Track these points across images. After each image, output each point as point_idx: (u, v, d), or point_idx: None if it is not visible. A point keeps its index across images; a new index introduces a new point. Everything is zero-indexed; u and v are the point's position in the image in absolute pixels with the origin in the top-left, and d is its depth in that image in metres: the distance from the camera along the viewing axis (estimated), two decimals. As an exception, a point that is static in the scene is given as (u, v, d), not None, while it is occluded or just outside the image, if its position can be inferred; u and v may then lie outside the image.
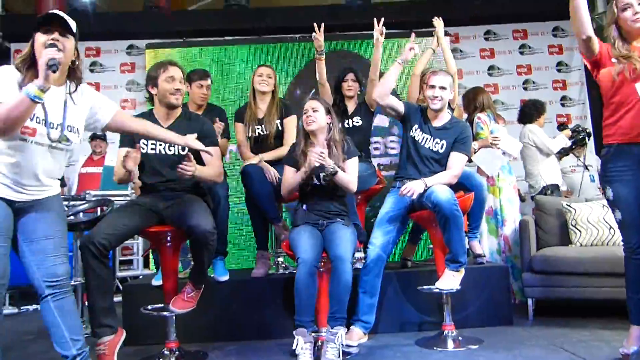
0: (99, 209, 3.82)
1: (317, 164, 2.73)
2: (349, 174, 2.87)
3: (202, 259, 2.57)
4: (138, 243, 5.26)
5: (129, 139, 2.72)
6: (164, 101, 2.72)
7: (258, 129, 3.43)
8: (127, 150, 2.58)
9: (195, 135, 2.50)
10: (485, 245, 3.90)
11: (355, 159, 2.94)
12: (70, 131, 2.11)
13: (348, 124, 3.58)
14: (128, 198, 4.08)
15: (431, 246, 3.86)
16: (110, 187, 4.21)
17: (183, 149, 2.69)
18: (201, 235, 2.45)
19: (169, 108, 2.74)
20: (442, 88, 2.99)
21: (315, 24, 3.45)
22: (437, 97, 2.98)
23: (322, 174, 2.85)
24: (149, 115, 2.79)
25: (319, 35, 3.45)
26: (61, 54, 1.96)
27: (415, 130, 3.06)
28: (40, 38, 2.02)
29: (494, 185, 3.91)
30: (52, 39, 2.00)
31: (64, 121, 2.08)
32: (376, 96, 3.04)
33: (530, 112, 4.45)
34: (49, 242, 2.06)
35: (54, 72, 1.91)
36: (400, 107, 3.09)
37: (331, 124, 2.92)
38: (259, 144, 3.44)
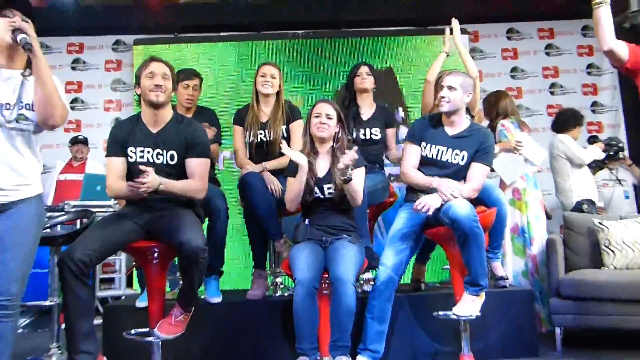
0: (78, 221, 3.82)
1: (344, 166, 2.73)
2: (359, 186, 2.87)
3: (192, 278, 2.56)
4: (121, 259, 5.26)
5: (119, 145, 2.73)
6: (146, 100, 2.74)
7: (261, 134, 3.42)
8: (117, 164, 2.65)
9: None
10: (510, 266, 3.89)
11: (362, 170, 2.95)
12: (29, 109, 2.14)
13: (364, 134, 3.57)
14: (111, 210, 4.08)
15: (446, 267, 3.85)
16: (91, 196, 4.23)
17: (172, 159, 2.71)
18: (192, 252, 2.44)
19: (154, 109, 2.74)
20: (451, 88, 3.00)
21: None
22: (443, 97, 2.99)
23: (326, 187, 2.86)
24: (136, 120, 2.80)
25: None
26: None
27: (425, 147, 3.05)
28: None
29: (520, 200, 3.90)
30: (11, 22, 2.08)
31: (19, 98, 2.11)
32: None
33: (567, 120, 4.44)
34: (10, 254, 2.06)
35: (29, 50, 2.01)
36: (419, 148, 3.07)
37: (339, 133, 2.95)
38: (261, 151, 3.43)
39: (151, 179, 2.53)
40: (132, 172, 2.72)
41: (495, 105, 4.05)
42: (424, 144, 3.06)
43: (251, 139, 3.45)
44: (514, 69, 6.17)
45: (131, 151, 2.73)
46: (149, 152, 2.73)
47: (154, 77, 2.70)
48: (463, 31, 5.71)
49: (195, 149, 2.72)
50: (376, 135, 3.57)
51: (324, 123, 2.90)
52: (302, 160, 2.83)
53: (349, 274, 2.61)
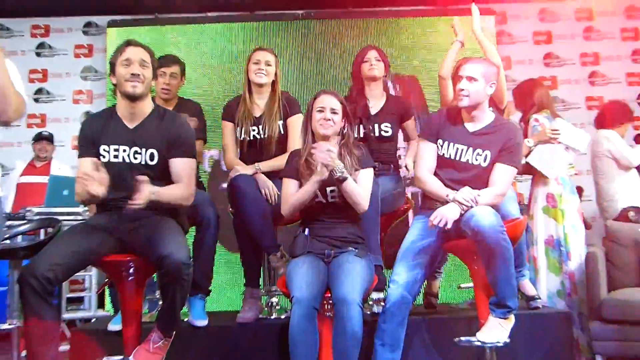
0: (42, 230, 3.82)
1: (324, 163, 2.74)
2: (360, 186, 2.87)
3: (174, 298, 2.55)
4: (91, 276, 5.26)
5: (90, 144, 2.74)
6: (121, 91, 2.75)
7: (254, 130, 3.43)
8: (89, 166, 2.62)
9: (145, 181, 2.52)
10: (544, 285, 3.89)
11: (370, 171, 2.96)
12: None
13: (373, 130, 3.57)
14: (80, 217, 4.09)
15: (466, 285, 3.83)
16: (57, 202, 4.26)
17: (151, 158, 2.72)
18: (174, 267, 2.44)
19: (131, 101, 2.74)
20: (471, 79, 2.98)
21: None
22: (462, 90, 2.98)
23: (329, 189, 2.86)
24: (110, 114, 2.81)
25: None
26: None
27: (442, 146, 3.05)
28: None
29: (555, 208, 3.90)
30: None
31: None
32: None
33: (614, 115, 4.44)
34: None
35: None
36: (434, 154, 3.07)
37: (345, 128, 2.96)
38: (254, 150, 3.44)
39: (146, 193, 2.52)
40: (106, 172, 2.71)
41: (530, 96, 4.04)
42: (440, 141, 3.06)
43: (243, 136, 3.45)
44: (547, 55, 6.18)
45: (104, 150, 2.73)
46: (124, 150, 2.73)
47: (131, 65, 2.70)
48: (488, 11, 5.76)
49: (180, 147, 2.72)
50: (387, 132, 3.57)
51: (329, 119, 2.90)
52: (324, 172, 2.79)
53: (355, 294, 2.60)
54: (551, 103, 4.12)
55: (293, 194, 2.90)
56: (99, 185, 2.49)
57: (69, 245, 2.53)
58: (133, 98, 2.73)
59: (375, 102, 3.63)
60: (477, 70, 2.98)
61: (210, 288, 3.37)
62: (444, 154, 3.04)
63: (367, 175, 2.92)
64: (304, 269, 2.73)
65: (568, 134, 3.83)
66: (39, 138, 5.41)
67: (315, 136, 2.98)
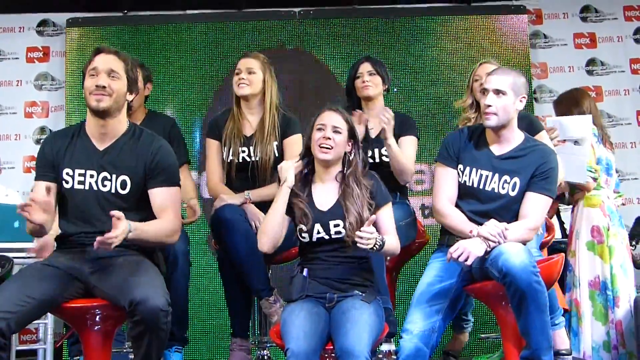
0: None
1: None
2: (388, 234, 2.88)
3: (149, 351, 2.57)
4: (46, 324, 5.24)
5: (49, 166, 2.79)
6: (87, 106, 2.80)
7: (244, 152, 3.47)
8: (41, 191, 2.66)
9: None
10: (588, 335, 3.89)
11: (390, 206, 2.97)
12: None
13: (372, 155, 3.65)
14: (34, 255, 4.11)
15: (490, 335, 3.86)
16: (6, 236, 4.22)
17: (123, 186, 2.76)
18: (149, 315, 2.46)
19: (99, 117, 2.79)
20: (498, 93, 3.03)
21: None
22: (489, 106, 3.02)
23: (333, 224, 2.87)
24: (77, 132, 2.87)
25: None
26: None
27: (463, 172, 3.12)
28: None
29: (602, 243, 3.94)
30: None
31: None
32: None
33: None
34: None
35: None
36: (455, 181, 3.15)
37: (352, 153, 2.96)
38: (244, 175, 3.50)
39: (121, 230, 2.52)
40: (68, 204, 2.78)
41: (577, 107, 4.11)
42: (461, 167, 3.12)
43: (230, 157, 3.50)
44: (591, 62, 6.17)
45: (67, 174, 2.78)
46: (92, 175, 2.77)
47: (98, 76, 2.75)
48: (520, 10, 5.86)
49: (162, 175, 2.76)
50: (387, 157, 3.63)
51: (329, 138, 2.89)
52: (290, 177, 2.89)
53: (362, 345, 2.59)
54: (600, 119, 4.20)
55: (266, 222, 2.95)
56: (40, 213, 2.53)
57: (24, 289, 2.53)
58: (100, 114, 2.76)
59: (376, 123, 3.68)
60: (505, 83, 3.03)
61: (186, 336, 3.41)
62: (465, 181, 3.10)
63: (387, 214, 2.95)
64: (302, 317, 2.72)
65: (566, 128, 3.85)
66: (-20, 159, 5.42)
67: (315, 162, 2.99)
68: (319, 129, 2.92)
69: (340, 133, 2.92)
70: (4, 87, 6.05)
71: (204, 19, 5.95)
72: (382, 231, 2.87)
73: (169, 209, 2.76)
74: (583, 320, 3.90)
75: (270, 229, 2.91)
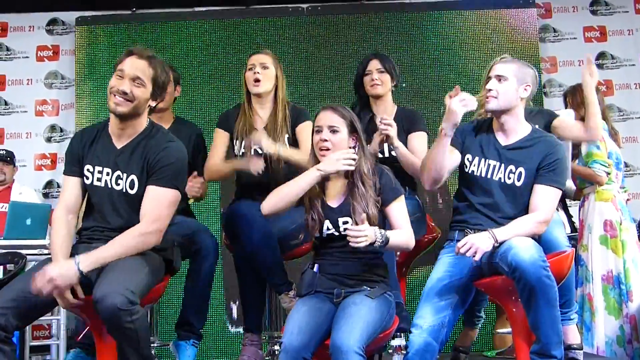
0: (0, 267, 3.90)
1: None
2: (401, 229, 2.86)
3: (122, 348, 2.55)
4: (58, 320, 5.29)
5: (75, 161, 2.81)
6: (108, 105, 2.82)
7: (256, 145, 3.49)
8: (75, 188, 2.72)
9: None
10: (601, 330, 3.90)
11: (401, 199, 2.93)
12: None
13: (382, 151, 3.66)
14: (46, 252, 4.14)
15: (502, 330, 3.87)
16: (19, 233, 4.26)
17: (131, 186, 2.78)
18: (107, 313, 2.42)
19: (119, 119, 2.81)
20: (500, 78, 3.09)
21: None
22: (490, 90, 3.08)
23: (341, 220, 2.86)
24: (102, 129, 2.89)
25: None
26: None
27: (471, 162, 3.15)
28: None
29: (615, 238, 3.94)
30: None
31: None
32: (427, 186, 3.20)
33: None
34: None
35: None
36: (457, 157, 3.18)
37: (356, 148, 2.92)
38: None
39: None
40: (91, 198, 2.81)
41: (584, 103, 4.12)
42: (469, 156, 3.15)
43: (242, 151, 3.54)
44: (601, 56, 6.19)
45: (88, 170, 2.81)
46: (107, 173, 2.79)
47: (122, 79, 2.75)
48: (529, 4, 5.85)
49: (158, 173, 2.73)
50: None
51: (327, 140, 2.87)
52: (332, 160, 2.84)
53: (352, 340, 2.55)
54: (608, 113, 4.20)
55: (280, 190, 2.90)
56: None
57: (26, 285, 2.53)
58: (118, 116, 2.78)
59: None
60: (508, 69, 3.10)
61: (201, 331, 3.45)
62: (473, 171, 3.13)
63: (399, 208, 2.90)
64: (302, 312, 2.73)
65: None
66: (-5, 157, 5.43)
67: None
68: (317, 131, 2.90)
69: (338, 131, 2.88)
70: (14, 85, 6.14)
71: (211, 16, 5.99)
72: (395, 226, 2.86)
73: (147, 215, 2.70)
74: (596, 315, 3.90)
75: (283, 197, 2.88)
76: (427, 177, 3.16)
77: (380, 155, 3.61)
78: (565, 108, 4.25)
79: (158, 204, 2.73)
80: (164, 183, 2.75)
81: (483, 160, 3.12)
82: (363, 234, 2.67)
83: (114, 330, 2.49)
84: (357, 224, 2.77)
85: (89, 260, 2.55)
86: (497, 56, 3.75)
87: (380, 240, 2.72)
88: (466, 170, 3.15)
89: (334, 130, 2.87)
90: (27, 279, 2.58)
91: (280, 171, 3.45)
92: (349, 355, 2.52)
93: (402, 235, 2.86)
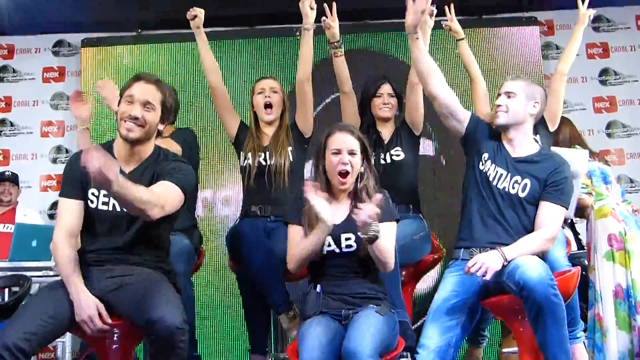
0: (6, 290, 3.90)
1: (363, 224, 2.71)
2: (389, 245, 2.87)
3: None
4: (64, 342, 5.29)
5: (76, 184, 2.79)
6: (118, 131, 2.82)
7: (260, 156, 3.59)
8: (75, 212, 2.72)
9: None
10: (614, 346, 3.86)
11: (394, 225, 2.96)
12: None
13: (384, 158, 3.71)
14: (52, 273, 4.15)
15: (509, 350, 3.85)
16: (24, 255, 4.27)
17: None
18: (166, 333, 2.46)
19: (130, 144, 2.81)
20: (509, 94, 3.15)
21: (325, 6, 3.65)
22: (499, 106, 3.16)
23: (344, 237, 2.88)
24: (107, 151, 2.86)
25: (331, 21, 3.67)
26: None
27: (485, 161, 3.17)
28: None
29: (621, 250, 3.92)
30: None
31: None
32: (413, 80, 3.32)
33: None
34: None
35: None
36: (463, 114, 3.24)
37: (364, 167, 2.97)
38: (262, 180, 3.57)
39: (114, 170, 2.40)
40: (92, 222, 2.80)
41: (555, 134, 4.15)
42: (485, 155, 3.18)
43: (248, 163, 3.61)
44: (604, 72, 6.23)
45: (92, 194, 2.79)
46: None
47: (132, 104, 2.76)
48: (531, 22, 5.87)
49: (167, 174, 2.73)
50: (397, 156, 3.71)
51: (346, 163, 2.90)
52: (329, 217, 2.80)
53: (366, 346, 2.56)
54: (581, 138, 4.23)
55: (299, 244, 2.91)
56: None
57: (43, 309, 2.55)
58: (130, 142, 2.79)
59: (387, 132, 3.80)
60: (516, 86, 3.17)
61: (197, 354, 3.45)
62: (483, 169, 3.16)
63: (390, 230, 2.91)
64: (318, 330, 2.72)
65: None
66: (0, 178, 5.44)
67: (329, 179, 2.98)
68: (335, 153, 2.92)
69: (355, 154, 2.93)
70: (20, 107, 6.20)
71: (216, 37, 5.95)
72: None
73: (160, 188, 2.67)
74: (607, 334, 3.86)
75: (307, 257, 2.90)
76: (423, 83, 3.26)
77: (383, 162, 3.68)
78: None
79: (166, 190, 2.69)
80: (174, 180, 2.73)
81: (493, 165, 3.15)
82: (373, 213, 2.67)
83: (167, 350, 2.51)
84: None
85: (122, 180, 2.43)
86: (501, 73, 3.80)
87: (373, 232, 2.71)
88: (480, 167, 3.18)
89: (352, 153, 2.92)
90: (45, 303, 2.61)
91: (283, 187, 3.53)
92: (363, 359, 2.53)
93: (389, 246, 2.84)
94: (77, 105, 3.41)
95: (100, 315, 2.60)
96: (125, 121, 2.75)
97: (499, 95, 3.21)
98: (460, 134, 3.27)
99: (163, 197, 2.66)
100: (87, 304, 2.59)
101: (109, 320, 2.61)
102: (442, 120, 3.31)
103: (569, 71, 5.84)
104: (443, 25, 4.09)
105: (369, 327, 2.66)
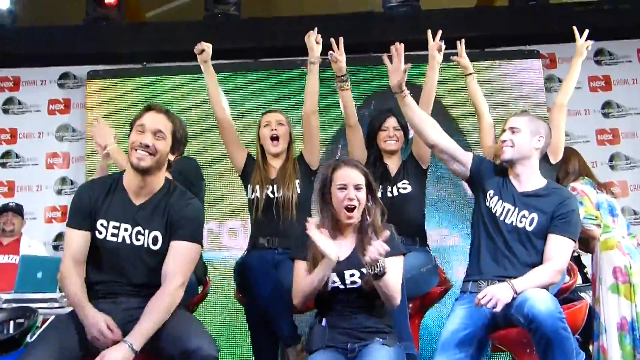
0: (11, 322, 3.89)
1: (371, 260, 2.71)
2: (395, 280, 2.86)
3: None
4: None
5: (85, 215, 2.80)
6: (129, 160, 2.83)
7: (268, 189, 3.63)
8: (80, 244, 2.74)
9: None
10: None
11: (401, 259, 2.96)
12: None
13: (391, 191, 3.74)
14: (57, 305, 4.13)
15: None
16: (29, 287, 4.27)
17: (155, 242, 2.78)
18: None
19: (140, 174, 2.81)
20: (514, 130, 3.19)
21: (332, 40, 3.68)
22: (504, 141, 3.19)
23: (349, 273, 2.88)
24: (115, 183, 2.88)
25: (338, 54, 3.70)
26: None
27: (491, 198, 3.19)
28: None
29: (626, 283, 3.93)
30: None
31: None
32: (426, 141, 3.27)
33: None
34: None
35: None
36: (465, 157, 3.27)
37: (369, 201, 2.98)
38: (269, 213, 3.60)
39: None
40: (99, 253, 2.79)
41: (561, 166, 4.17)
42: (491, 192, 3.20)
43: (256, 196, 3.64)
44: (606, 105, 6.28)
45: (102, 225, 2.80)
46: (126, 229, 2.78)
47: (143, 133, 2.78)
48: (533, 55, 5.93)
49: (182, 229, 2.76)
50: (404, 189, 3.73)
51: (353, 198, 2.91)
52: (332, 253, 2.81)
53: None
54: (590, 170, 4.25)
55: (304, 280, 2.92)
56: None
57: (58, 340, 2.56)
58: (140, 171, 2.79)
59: (393, 166, 3.83)
60: (520, 121, 3.21)
61: None
62: (490, 207, 3.18)
63: (397, 263, 2.91)
64: None
65: None
66: (5, 208, 5.48)
67: (335, 214, 2.98)
68: (341, 189, 2.94)
69: (361, 189, 2.95)
70: (25, 139, 6.26)
71: (221, 70, 6.00)
72: None
73: (171, 271, 2.72)
74: (613, 364, 3.87)
75: (311, 292, 2.89)
76: (419, 135, 3.35)
77: (390, 195, 3.71)
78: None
79: (182, 258, 2.76)
80: (188, 238, 2.78)
81: (500, 201, 3.17)
82: (381, 251, 2.67)
83: None
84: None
85: (139, 339, 2.56)
86: (505, 106, 3.83)
87: (381, 269, 2.71)
88: (487, 204, 3.20)
89: (358, 188, 2.94)
90: (59, 333, 2.62)
91: (290, 220, 3.56)
92: None
93: (395, 281, 2.83)
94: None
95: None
96: (136, 150, 2.77)
97: (504, 131, 3.24)
98: (465, 176, 3.31)
99: (181, 274, 2.73)
100: (95, 319, 2.61)
101: (119, 332, 2.62)
102: (445, 164, 3.37)
103: (572, 104, 5.96)
104: (452, 59, 4.10)
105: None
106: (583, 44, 4.03)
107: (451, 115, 5.94)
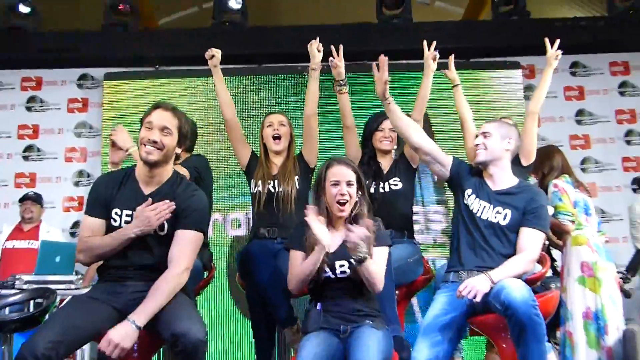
0: (31, 301, 3.91)
1: (353, 245, 2.78)
2: (375, 265, 2.90)
3: None
4: (83, 350, 5.27)
5: (101, 205, 2.84)
6: (139, 154, 2.87)
7: (269, 184, 3.66)
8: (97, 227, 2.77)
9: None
10: (582, 358, 3.91)
11: (386, 250, 3.02)
12: None
13: (383, 187, 3.77)
14: (73, 286, 4.15)
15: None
16: (48, 270, 4.29)
17: (161, 228, 2.80)
18: (190, 346, 2.48)
19: (149, 166, 2.85)
20: (485, 134, 3.26)
21: (332, 47, 3.72)
22: (478, 145, 3.27)
23: (338, 263, 2.92)
24: (128, 175, 2.92)
25: (338, 61, 3.73)
26: None
27: (469, 196, 3.25)
28: None
29: (592, 277, 3.96)
30: None
31: None
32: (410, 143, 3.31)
33: None
34: None
35: None
36: (445, 159, 3.33)
37: (359, 196, 3.02)
38: (271, 208, 3.63)
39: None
40: None
41: (548, 160, 4.21)
42: (469, 191, 3.26)
43: (258, 190, 3.67)
44: (580, 112, 6.33)
45: (116, 213, 2.84)
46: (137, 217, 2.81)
47: (151, 130, 2.81)
48: (514, 65, 5.96)
49: (188, 218, 2.79)
50: (395, 185, 3.77)
51: (344, 194, 2.97)
52: (325, 239, 2.86)
53: (370, 357, 2.64)
54: (570, 169, 4.29)
55: (298, 267, 2.95)
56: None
57: (70, 320, 2.57)
58: (149, 164, 2.83)
59: (386, 164, 3.87)
60: (491, 127, 3.29)
61: None
62: (468, 204, 3.24)
63: (382, 253, 2.97)
64: (315, 343, 2.77)
65: None
66: (25, 197, 5.52)
67: (329, 209, 3.02)
68: (334, 185, 2.99)
69: (352, 185, 3.00)
70: (47, 134, 6.29)
71: (227, 74, 5.99)
72: None
73: (176, 257, 2.74)
74: (576, 349, 3.90)
75: (305, 278, 2.93)
76: (405, 138, 3.40)
77: (382, 191, 3.73)
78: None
79: (186, 245, 2.78)
80: (193, 226, 2.80)
81: (477, 199, 3.22)
82: (361, 236, 2.75)
83: None
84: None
85: (142, 317, 2.57)
86: (486, 114, 3.86)
87: (362, 254, 2.78)
88: (465, 202, 3.25)
89: (350, 184, 2.99)
90: (70, 313, 2.64)
91: (289, 213, 3.59)
92: None
93: (377, 269, 2.87)
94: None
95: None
96: (145, 145, 2.80)
97: (477, 136, 3.32)
98: (445, 177, 3.36)
99: (185, 259, 2.74)
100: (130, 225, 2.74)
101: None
102: (427, 166, 3.45)
103: (548, 111, 6.02)
104: (442, 72, 4.14)
105: (373, 345, 2.71)
106: (552, 54, 4.08)
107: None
